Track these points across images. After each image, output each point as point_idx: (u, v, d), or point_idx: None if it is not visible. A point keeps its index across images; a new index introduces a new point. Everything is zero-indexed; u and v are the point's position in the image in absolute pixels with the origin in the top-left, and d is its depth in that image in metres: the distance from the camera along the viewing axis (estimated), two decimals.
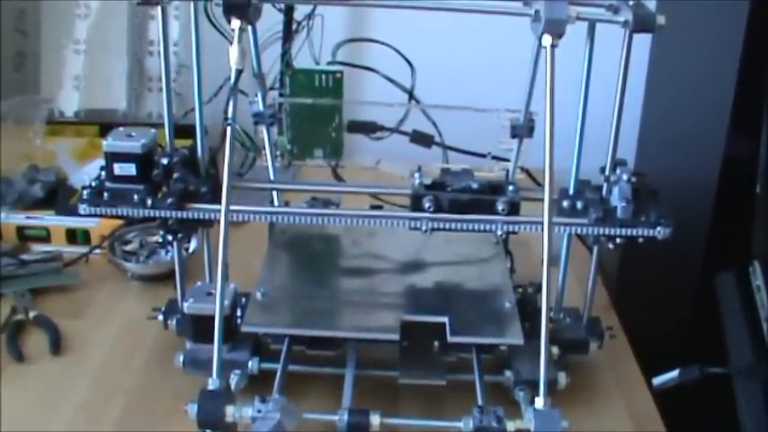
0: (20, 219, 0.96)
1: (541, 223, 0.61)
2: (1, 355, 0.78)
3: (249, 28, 0.72)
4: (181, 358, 0.73)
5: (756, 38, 0.82)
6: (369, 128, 1.06)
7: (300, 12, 1.06)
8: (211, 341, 0.60)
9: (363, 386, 0.69)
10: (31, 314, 0.83)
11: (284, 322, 0.73)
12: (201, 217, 0.70)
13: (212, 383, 0.61)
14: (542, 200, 0.60)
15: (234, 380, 0.69)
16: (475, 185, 0.70)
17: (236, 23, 0.62)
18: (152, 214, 0.70)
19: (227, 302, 0.68)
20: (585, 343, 0.75)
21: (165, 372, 0.75)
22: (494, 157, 0.99)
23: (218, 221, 0.62)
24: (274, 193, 0.82)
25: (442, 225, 0.70)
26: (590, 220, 0.68)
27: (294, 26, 1.06)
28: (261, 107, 0.80)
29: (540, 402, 0.58)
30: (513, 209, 0.69)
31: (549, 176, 0.59)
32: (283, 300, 0.75)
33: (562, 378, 0.71)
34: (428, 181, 0.71)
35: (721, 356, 0.75)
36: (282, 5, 1.04)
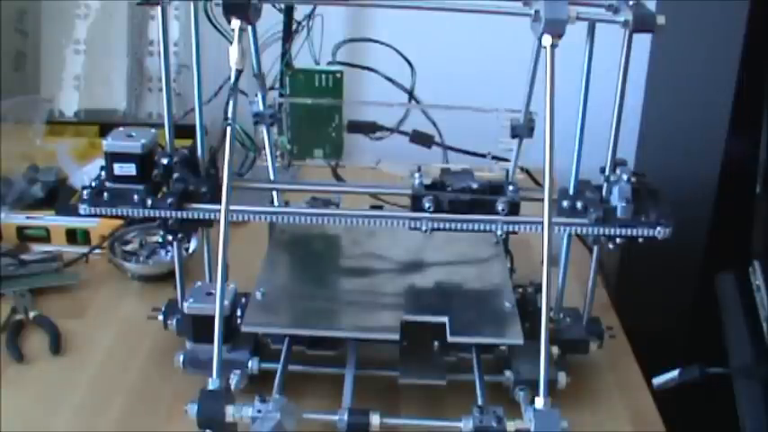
0: (20, 219, 0.96)
1: (541, 223, 0.61)
2: (1, 355, 0.78)
3: (249, 28, 0.72)
4: (181, 358, 0.73)
5: (756, 38, 0.82)
6: (369, 128, 1.06)
7: (300, 12, 1.06)
8: (211, 341, 0.60)
9: (363, 386, 0.69)
10: (31, 314, 0.83)
11: (284, 322, 0.73)
12: (201, 217, 0.70)
13: (212, 383, 0.61)
14: (542, 200, 0.60)
15: (234, 380, 0.69)
16: (475, 185, 0.70)
17: (236, 23, 0.62)
18: (152, 214, 0.70)
19: (227, 302, 0.69)
20: (585, 343, 0.75)
21: (165, 372, 0.75)
22: (494, 157, 0.99)
23: (218, 221, 0.62)
24: (274, 193, 0.82)
25: (442, 225, 0.70)
26: (590, 220, 0.68)
27: (294, 26, 1.06)
28: (261, 107, 0.80)
29: (540, 402, 0.58)
30: (513, 209, 0.69)
31: (548, 176, 0.59)
32: (283, 300, 0.75)
33: (562, 378, 0.71)
34: (428, 181, 0.71)
35: (721, 356, 0.75)
36: (282, 5, 1.04)
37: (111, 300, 0.89)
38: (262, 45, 0.83)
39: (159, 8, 0.68)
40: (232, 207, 0.64)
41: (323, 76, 1.04)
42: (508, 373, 0.72)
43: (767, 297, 0.75)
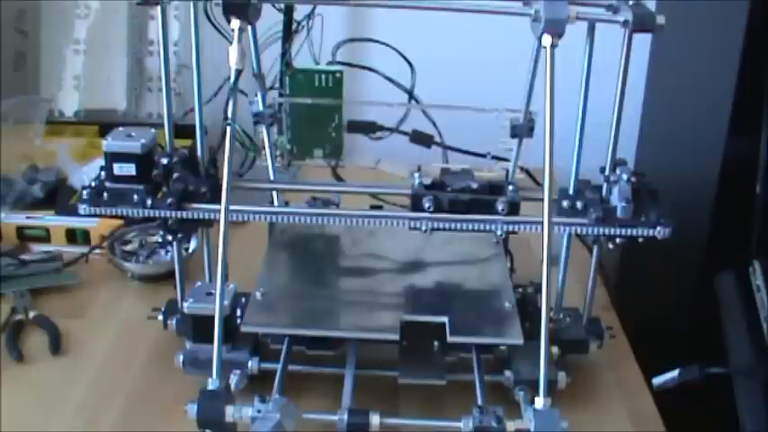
0: (20, 219, 0.96)
1: (541, 223, 0.61)
2: (1, 355, 0.78)
3: (249, 28, 0.72)
4: (181, 358, 0.73)
5: (756, 38, 0.82)
6: (369, 128, 1.06)
7: (300, 12, 1.06)
8: (211, 341, 0.60)
9: (363, 386, 0.69)
10: (31, 314, 0.83)
11: (284, 322, 0.73)
12: (201, 217, 0.70)
13: (212, 383, 0.61)
14: (542, 200, 0.60)
15: (234, 380, 0.69)
16: (475, 185, 0.70)
17: (235, 23, 0.62)
18: (152, 214, 0.70)
19: (226, 302, 0.69)
20: (585, 343, 0.75)
21: (165, 372, 0.75)
22: (494, 157, 0.99)
23: (218, 221, 0.62)
24: (274, 193, 0.82)
25: (441, 225, 0.70)
26: (590, 220, 0.68)
27: (294, 26, 1.06)
28: (261, 107, 0.80)
29: (540, 402, 0.58)
30: (513, 209, 0.69)
31: (548, 176, 0.59)
32: (283, 300, 0.75)
33: (562, 378, 0.71)
34: (428, 181, 0.71)
35: (721, 356, 0.75)
36: (282, 5, 1.04)
37: (111, 300, 0.89)
38: (262, 45, 0.83)
39: (159, 8, 0.68)
40: (232, 207, 0.64)
41: (323, 76, 1.05)
42: (508, 373, 0.71)
43: (767, 297, 0.75)
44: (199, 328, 0.71)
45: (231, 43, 0.62)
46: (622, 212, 0.68)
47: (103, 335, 0.82)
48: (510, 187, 0.71)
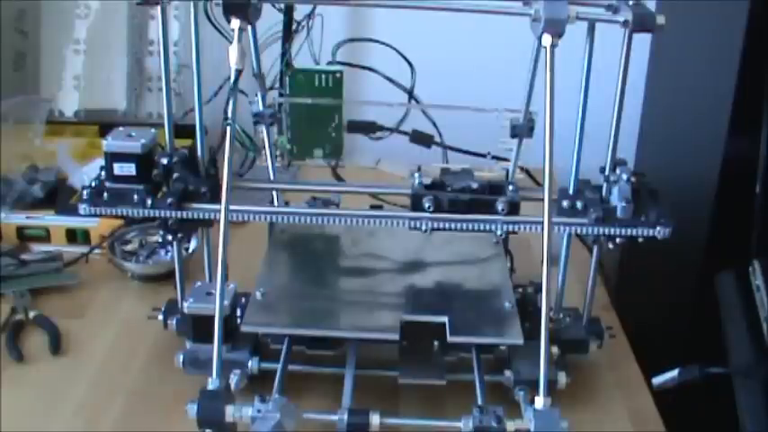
0: (20, 219, 0.96)
1: (541, 223, 0.61)
2: (1, 355, 0.78)
3: (249, 28, 0.72)
4: (181, 358, 0.73)
5: (756, 38, 0.82)
6: (369, 128, 1.06)
7: (300, 12, 1.06)
8: (211, 341, 0.60)
9: (363, 386, 0.69)
10: (31, 314, 0.83)
11: (284, 322, 0.73)
12: (201, 217, 0.70)
13: (212, 383, 0.61)
14: (542, 200, 0.60)
15: (234, 380, 0.69)
16: (475, 185, 0.70)
17: (235, 23, 0.62)
18: (152, 214, 0.70)
19: (226, 302, 0.69)
20: (585, 343, 0.75)
21: (165, 372, 0.75)
22: (494, 157, 0.99)
23: (218, 221, 0.62)
24: (274, 193, 0.82)
25: (442, 225, 0.70)
26: (590, 219, 0.68)
27: (294, 26, 1.06)
28: (261, 107, 0.80)
29: (540, 402, 0.58)
30: (513, 209, 0.69)
31: (548, 176, 0.59)
32: (283, 300, 0.75)
33: (562, 378, 0.71)
34: (428, 181, 0.71)
35: (721, 356, 0.75)
36: (282, 5, 1.04)
37: (111, 300, 0.89)
38: (262, 45, 0.83)
39: (159, 8, 0.68)
40: (232, 207, 0.64)
41: (323, 76, 1.05)
42: (508, 373, 0.72)
43: (767, 297, 0.75)
44: (199, 327, 0.71)
45: (231, 43, 0.62)
46: (622, 212, 0.68)
47: (103, 335, 0.82)
48: (510, 187, 0.71)
